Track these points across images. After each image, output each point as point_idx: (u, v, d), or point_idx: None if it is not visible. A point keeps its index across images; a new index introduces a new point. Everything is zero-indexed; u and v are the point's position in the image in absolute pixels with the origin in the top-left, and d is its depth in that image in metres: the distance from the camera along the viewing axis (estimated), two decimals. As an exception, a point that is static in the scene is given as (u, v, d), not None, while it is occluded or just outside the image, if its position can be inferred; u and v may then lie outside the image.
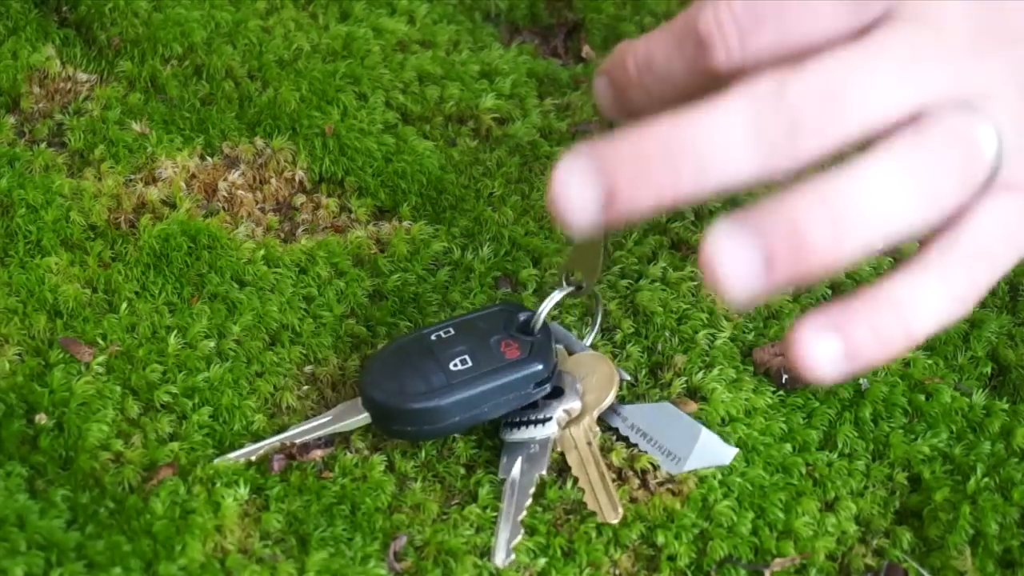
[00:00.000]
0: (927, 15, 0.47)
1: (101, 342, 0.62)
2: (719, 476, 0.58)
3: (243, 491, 0.56)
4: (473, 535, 0.56)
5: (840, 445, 0.60)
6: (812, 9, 0.47)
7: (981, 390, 0.61)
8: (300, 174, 0.72)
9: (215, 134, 0.73)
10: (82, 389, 0.60)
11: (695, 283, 0.66)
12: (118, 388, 0.60)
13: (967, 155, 0.46)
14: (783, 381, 0.61)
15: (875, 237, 0.45)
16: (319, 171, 0.72)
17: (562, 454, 0.59)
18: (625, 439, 0.60)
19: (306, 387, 0.62)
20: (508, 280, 0.67)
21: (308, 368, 0.63)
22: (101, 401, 0.59)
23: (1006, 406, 0.60)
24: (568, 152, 0.46)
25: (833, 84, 0.45)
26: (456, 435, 0.60)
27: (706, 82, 0.48)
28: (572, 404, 0.60)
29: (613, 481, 0.57)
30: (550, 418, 0.59)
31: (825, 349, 0.46)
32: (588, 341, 0.63)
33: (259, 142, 0.73)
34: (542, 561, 0.55)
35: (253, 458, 0.58)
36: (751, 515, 0.57)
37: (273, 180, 0.72)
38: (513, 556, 0.55)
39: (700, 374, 0.62)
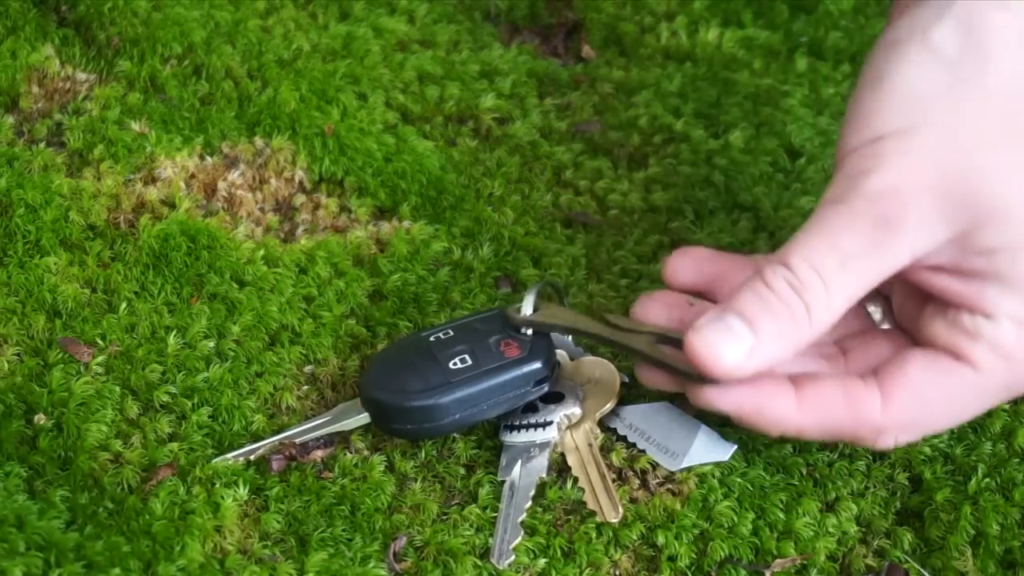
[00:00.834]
0: None
1: (100, 342, 0.62)
2: (719, 476, 0.58)
3: (243, 491, 0.56)
4: (473, 535, 0.56)
5: (840, 445, 0.59)
6: None
7: (982, 390, 0.61)
8: (300, 174, 0.72)
9: (214, 134, 0.73)
10: (81, 389, 0.59)
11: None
12: (117, 388, 0.60)
13: None
14: None
15: None
16: (319, 171, 0.72)
17: (562, 455, 0.59)
18: (624, 438, 0.59)
19: (306, 387, 0.62)
20: (508, 280, 0.67)
21: (308, 368, 0.63)
22: (100, 401, 0.59)
23: (1007, 406, 0.60)
24: None
25: None
26: (456, 436, 0.60)
27: None
28: (572, 410, 0.60)
29: (613, 481, 0.57)
30: (551, 422, 0.59)
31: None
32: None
33: (259, 142, 0.73)
34: (542, 561, 0.55)
35: (252, 458, 0.58)
36: (751, 515, 0.57)
37: (273, 180, 0.71)
38: (513, 557, 0.55)
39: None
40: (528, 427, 0.59)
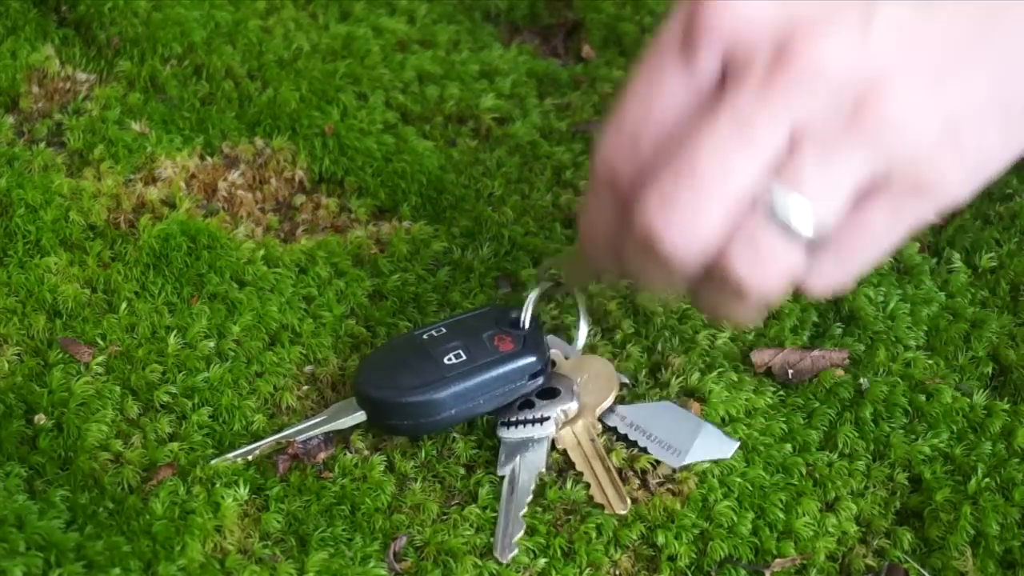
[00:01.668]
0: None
1: (100, 342, 0.62)
2: (719, 476, 0.58)
3: (243, 491, 0.56)
4: (473, 535, 0.56)
5: (840, 445, 0.59)
6: None
7: (982, 390, 0.61)
8: (300, 174, 0.72)
9: (215, 134, 0.73)
10: (81, 389, 0.59)
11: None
12: (117, 388, 0.60)
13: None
14: (788, 376, 0.61)
15: None
16: (319, 171, 0.72)
17: (565, 452, 0.59)
18: (624, 437, 0.60)
19: (306, 387, 0.62)
20: (508, 280, 0.67)
21: (308, 368, 0.63)
22: (100, 401, 0.59)
23: (1007, 406, 0.60)
24: None
25: None
26: (456, 436, 0.60)
27: None
28: (569, 405, 0.60)
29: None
30: (547, 417, 0.59)
31: None
32: (579, 344, 0.62)
33: (259, 142, 0.73)
34: (542, 561, 0.55)
35: (249, 458, 0.58)
36: (751, 515, 0.57)
37: (273, 180, 0.72)
38: (516, 551, 0.55)
39: (699, 374, 0.61)
40: (525, 423, 0.59)
